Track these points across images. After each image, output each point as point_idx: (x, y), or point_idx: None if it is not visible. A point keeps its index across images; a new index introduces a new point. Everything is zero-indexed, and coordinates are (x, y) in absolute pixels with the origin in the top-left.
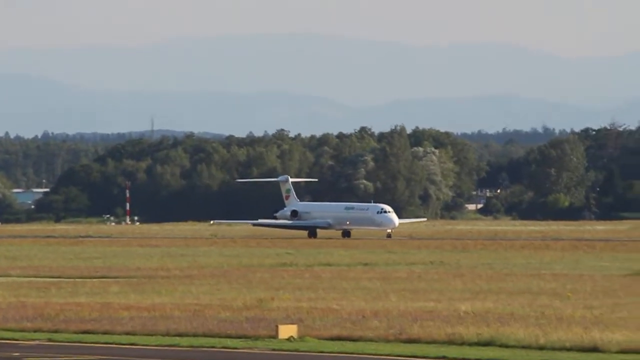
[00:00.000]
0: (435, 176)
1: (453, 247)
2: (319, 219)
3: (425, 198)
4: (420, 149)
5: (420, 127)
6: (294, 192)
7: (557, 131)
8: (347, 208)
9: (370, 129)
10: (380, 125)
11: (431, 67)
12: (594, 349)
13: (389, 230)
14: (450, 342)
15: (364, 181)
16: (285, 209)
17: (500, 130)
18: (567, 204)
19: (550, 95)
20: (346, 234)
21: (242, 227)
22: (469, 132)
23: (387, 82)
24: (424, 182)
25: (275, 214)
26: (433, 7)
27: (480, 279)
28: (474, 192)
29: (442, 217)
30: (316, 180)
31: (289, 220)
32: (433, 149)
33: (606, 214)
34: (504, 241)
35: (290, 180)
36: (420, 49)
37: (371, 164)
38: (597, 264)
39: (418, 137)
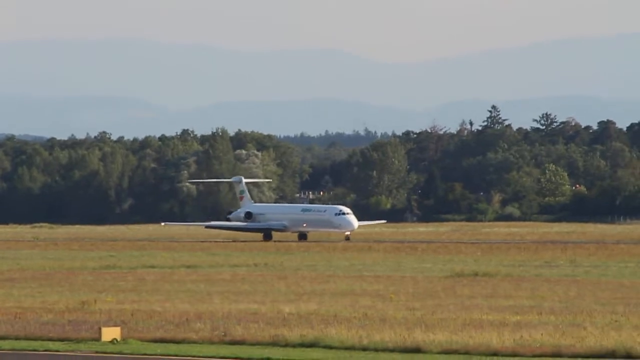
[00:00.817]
0: (258, 179)
1: (276, 249)
2: (274, 220)
3: None
4: (243, 151)
5: (243, 130)
6: (248, 194)
7: (378, 134)
8: (304, 210)
9: (193, 132)
10: (203, 128)
11: (254, 70)
12: (416, 350)
13: (347, 233)
14: (274, 344)
15: (187, 184)
16: (238, 210)
17: (323, 133)
18: (388, 206)
19: (371, 98)
20: (302, 236)
21: (195, 229)
22: (292, 134)
23: (209, 85)
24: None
25: (228, 216)
26: (255, 12)
27: (303, 280)
28: (297, 195)
29: None
30: (270, 180)
31: (242, 222)
32: (256, 152)
33: (428, 215)
34: (327, 243)
35: (244, 181)
36: (243, 53)
37: (194, 166)
38: (419, 265)
39: (241, 140)
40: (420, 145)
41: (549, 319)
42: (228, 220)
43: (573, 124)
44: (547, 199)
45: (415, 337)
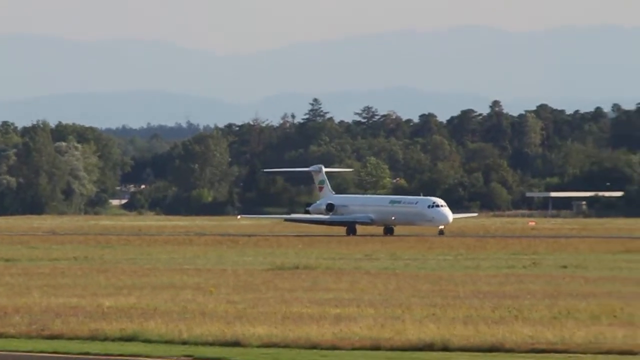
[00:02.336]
0: (79, 171)
1: (97, 243)
2: (358, 213)
3: (69, 193)
4: (64, 143)
5: (64, 122)
6: (329, 184)
7: (201, 126)
8: (392, 202)
9: (13, 124)
10: (23, 121)
11: (74, 62)
12: (236, 343)
13: (441, 227)
14: (93, 338)
15: (7, 176)
16: (318, 202)
17: (145, 126)
18: (210, 199)
19: (194, 90)
20: (389, 230)
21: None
22: (113, 127)
23: (30, 76)
24: (66, 177)
25: (307, 208)
26: (80, 1)
27: (124, 274)
28: (118, 188)
29: (86, 212)
30: (351, 169)
31: (324, 214)
32: (76, 144)
33: (249, 208)
34: (148, 236)
35: (325, 170)
36: (67, 43)
37: (14, 158)
38: (240, 258)
39: (62, 132)
40: (242, 138)
41: (369, 312)
42: (307, 212)
43: (394, 117)
44: (368, 191)
45: (235, 331)
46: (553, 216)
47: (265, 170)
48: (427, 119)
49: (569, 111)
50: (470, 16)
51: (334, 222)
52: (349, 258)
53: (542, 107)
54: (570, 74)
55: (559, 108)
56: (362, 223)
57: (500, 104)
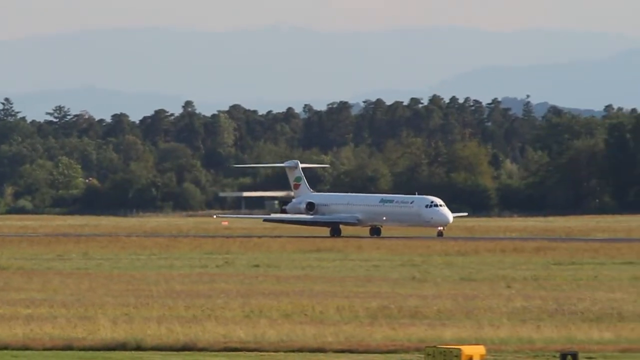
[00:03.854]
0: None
1: None
2: (343, 212)
3: None
4: None
5: None
6: (306, 181)
7: None
8: (383, 200)
9: None
10: None
11: None
12: None
13: (440, 228)
14: None
15: None
16: (295, 200)
17: None
18: None
19: None
20: (375, 231)
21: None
22: None
23: None
24: None
25: (284, 207)
26: None
27: None
28: None
29: None
30: (327, 165)
31: (304, 214)
32: None
33: None
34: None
35: (301, 166)
36: None
37: None
38: None
39: None
40: None
41: (61, 312)
42: (284, 212)
43: (87, 116)
44: (60, 191)
45: None
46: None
47: (235, 165)
48: (120, 119)
49: (262, 112)
50: (157, 17)
51: (317, 223)
52: (41, 258)
53: (235, 108)
54: (263, 75)
55: (252, 109)
56: (348, 223)
57: (194, 104)
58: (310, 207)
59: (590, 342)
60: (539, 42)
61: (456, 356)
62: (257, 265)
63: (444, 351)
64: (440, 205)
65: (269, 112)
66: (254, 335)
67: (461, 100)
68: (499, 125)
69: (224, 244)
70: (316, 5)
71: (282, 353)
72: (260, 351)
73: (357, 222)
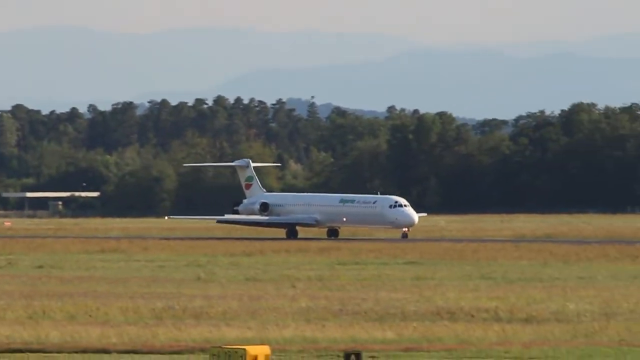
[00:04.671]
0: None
1: None
2: (299, 213)
3: None
4: None
5: None
6: (258, 180)
7: None
8: (343, 200)
9: None
10: None
11: None
12: None
13: (405, 230)
14: None
15: None
16: (247, 201)
17: None
18: None
19: None
20: (332, 233)
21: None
22: None
23: None
24: None
25: (235, 208)
26: None
27: None
28: None
29: None
30: (279, 165)
31: (258, 215)
32: None
33: None
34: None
35: (252, 165)
36: None
37: None
38: None
39: None
40: None
41: None
42: (236, 213)
43: None
44: None
45: None
46: (29, 216)
47: (188, 164)
48: None
49: (45, 112)
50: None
51: (273, 224)
52: None
53: (18, 107)
54: (46, 74)
55: (35, 108)
56: (306, 225)
57: None
58: (264, 207)
59: (373, 342)
60: (318, 44)
61: (241, 356)
62: (40, 267)
63: (229, 352)
64: (405, 206)
65: (52, 112)
66: (37, 337)
67: (246, 101)
68: (284, 126)
69: (7, 244)
70: (92, 4)
71: (65, 354)
72: (44, 352)
73: (316, 223)
